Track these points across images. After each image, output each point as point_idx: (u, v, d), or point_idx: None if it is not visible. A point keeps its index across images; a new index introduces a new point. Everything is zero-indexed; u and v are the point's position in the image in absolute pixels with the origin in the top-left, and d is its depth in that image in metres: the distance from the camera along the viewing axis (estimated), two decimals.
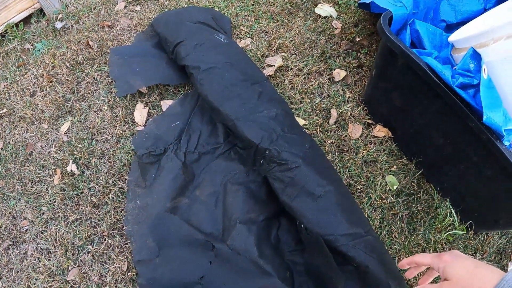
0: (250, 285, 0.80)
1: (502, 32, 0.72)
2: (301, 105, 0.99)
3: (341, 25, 1.18)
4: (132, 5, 1.37)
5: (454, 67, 0.87)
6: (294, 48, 1.10)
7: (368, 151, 0.96)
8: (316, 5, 1.23)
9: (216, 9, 1.23)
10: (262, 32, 1.15)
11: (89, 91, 1.17)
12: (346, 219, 0.81)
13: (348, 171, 0.93)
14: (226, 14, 1.21)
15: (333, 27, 1.18)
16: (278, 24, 1.17)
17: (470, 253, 0.98)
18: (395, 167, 0.96)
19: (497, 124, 0.73)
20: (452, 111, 0.77)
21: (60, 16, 1.39)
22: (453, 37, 0.87)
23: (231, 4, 1.23)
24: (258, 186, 0.89)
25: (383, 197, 0.93)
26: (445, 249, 0.94)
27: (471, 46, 0.82)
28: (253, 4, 1.23)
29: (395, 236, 0.91)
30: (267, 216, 0.88)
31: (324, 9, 1.21)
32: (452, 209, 0.97)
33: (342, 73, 1.05)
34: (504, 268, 1.02)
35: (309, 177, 0.83)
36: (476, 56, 0.83)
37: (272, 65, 1.04)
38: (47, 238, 0.96)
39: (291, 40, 1.12)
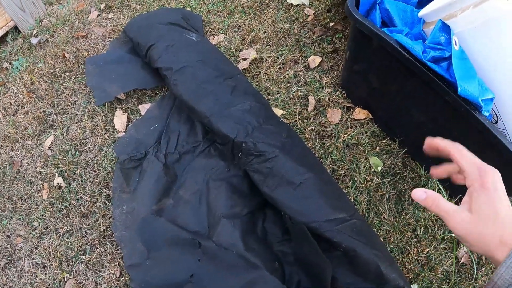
0: (239, 279, 0.79)
1: (469, 1, 0.71)
2: (278, 95, 0.98)
3: (313, 12, 1.17)
4: (105, 13, 1.37)
5: (426, 42, 0.86)
6: (268, 40, 1.10)
7: (349, 134, 0.95)
8: None
9: (188, 9, 1.23)
10: (235, 26, 1.14)
11: (69, 103, 1.17)
12: (329, 204, 0.80)
13: (331, 156, 0.93)
14: (198, 13, 1.20)
15: (306, 14, 1.17)
16: (251, 17, 1.16)
17: None
18: (378, 148, 0.95)
19: (473, 95, 0.72)
20: (428, 87, 0.75)
21: (35, 31, 1.39)
22: (423, 11, 0.86)
23: (203, 2, 1.23)
24: (240, 180, 0.89)
25: (368, 179, 0.92)
26: (436, 226, 0.93)
27: (440, 19, 0.81)
28: (224, 0, 1.22)
29: (383, 217, 0.90)
30: (252, 209, 0.87)
31: None
32: (439, 185, 0.96)
33: (318, 60, 1.05)
34: None
35: (288, 166, 0.82)
36: (445, 28, 0.81)
37: (246, 59, 1.03)
38: (41, 253, 0.96)
39: (264, 32, 1.11)
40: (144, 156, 0.97)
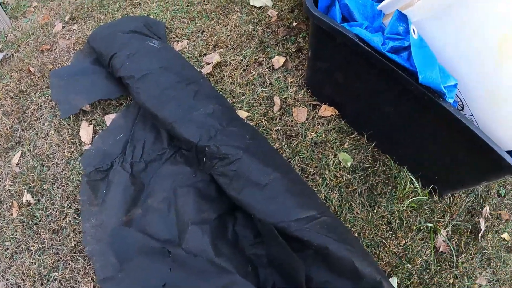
0: (210, 285, 0.78)
1: None
2: (243, 97, 0.98)
3: (277, 13, 1.18)
4: (70, 25, 1.35)
5: (385, 33, 0.87)
6: (232, 43, 1.09)
7: (316, 132, 0.95)
8: None
9: (152, 16, 1.22)
10: (199, 31, 1.14)
11: (35, 118, 1.15)
12: (297, 204, 0.80)
13: (299, 155, 0.93)
14: (161, 20, 1.20)
15: (269, 16, 1.17)
16: (214, 22, 1.16)
17: (438, 216, 0.98)
18: (346, 144, 0.96)
19: (435, 82, 0.72)
20: (390, 78, 0.76)
21: (0, 46, 1.36)
22: (382, 4, 0.86)
23: (166, 9, 1.22)
24: (207, 184, 0.88)
25: (338, 175, 0.92)
26: (411, 217, 0.94)
27: (396, 9, 0.81)
28: (187, 6, 1.22)
29: (357, 212, 0.90)
30: (220, 213, 0.86)
31: (259, 0, 1.20)
32: (411, 177, 0.97)
33: (281, 60, 1.05)
34: (476, 226, 1.02)
35: (253, 168, 0.82)
36: (403, 18, 0.82)
37: (210, 63, 1.03)
38: (15, 273, 0.94)
39: (228, 35, 1.11)
40: (110, 167, 0.95)
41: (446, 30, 0.72)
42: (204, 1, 1.23)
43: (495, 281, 1.00)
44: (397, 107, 0.87)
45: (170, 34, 1.15)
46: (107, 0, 1.36)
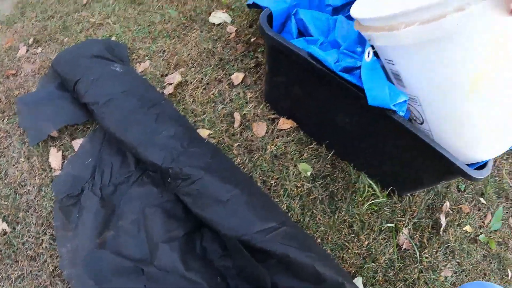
0: None
1: (417, 17, 0.66)
2: (204, 115, 1.02)
3: (235, 28, 1.21)
4: (34, 48, 1.36)
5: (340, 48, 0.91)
6: (192, 61, 1.13)
7: (276, 145, 1.00)
8: (210, 14, 1.26)
9: (114, 37, 1.24)
10: (160, 51, 1.17)
11: (4, 146, 1.17)
12: (257, 216, 0.86)
13: (260, 168, 0.98)
14: (124, 40, 1.22)
15: (228, 32, 1.21)
16: (175, 41, 1.19)
17: (399, 216, 1.04)
18: (306, 154, 1.01)
19: (384, 102, 0.76)
20: (344, 94, 0.80)
21: None
22: (358, 12, 0.80)
23: (128, 29, 1.25)
24: (173, 204, 0.93)
25: (299, 185, 0.98)
26: (372, 219, 1.01)
27: (358, 30, 0.83)
28: (149, 25, 1.25)
29: (319, 219, 0.96)
30: (188, 230, 0.91)
31: (218, 17, 1.24)
32: (370, 181, 1.03)
33: (240, 76, 1.09)
34: (437, 222, 1.09)
35: (214, 186, 0.87)
36: (362, 41, 0.87)
37: (171, 83, 1.07)
38: None
39: (189, 54, 1.15)
40: (81, 192, 0.99)
41: (425, 59, 0.72)
42: (164, 20, 1.25)
43: (461, 272, 1.07)
44: (352, 119, 0.92)
45: (133, 55, 1.18)
46: (70, 21, 1.37)
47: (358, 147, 0.98)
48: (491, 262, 1.13)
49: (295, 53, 0.84)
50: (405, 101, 0.83)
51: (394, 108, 0.79)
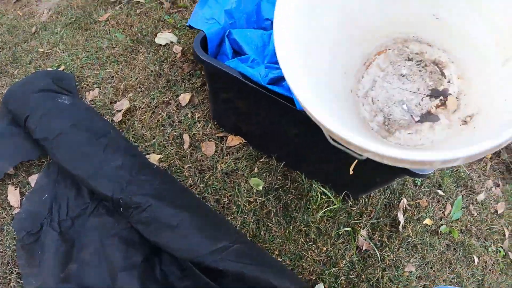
0: None
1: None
2: (154, 140, 1.04)
3: (181, 48, 1.23)
4: None
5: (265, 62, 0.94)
6: (140, 86, 1.14)
7: (226, 162, 1.03)
8: (156, 35, 1.27)
9: (63, 67, 1.25)
10: (108, 78, 1.18)
11: None
12: (208, 237, 0.89)
13: (212, 188, 1.00)
14: (72, 69, 1.23)
15: (174, 52, 1.22)
16: (123, 65, 1.20)
17: (356, 218, 1.08)
18: (256, 168, 1.04)
19: None
20: (279, 106, 0.82)
21: None
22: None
23: (76, 57, 1.25)
24: (130, 231, 0.95)
25: (252, 200, 1.01)
26: (328, 226, 1.04)
27: None
28: (96, 51, 1.25)
29: (274, 231, 0.99)
30: (146, 255, 0.94)
31: (164, 37, 1.25)
32: (322, 188, 1.06)
33: (187, 96, 1.11)
34: (395, 219, 1.13)
35: (163, 212, 0.90)
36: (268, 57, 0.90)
37: (120, 110, 1.08)
38: None
39: (136, 78, 1.16)
40: (40, 229, 1.01)
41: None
42: (112, 45, 1.26)
43: (425, 265, 1.12)
44: (293, 130, 0.95)
45: (82, 84, 1.19)
46: (20, 52, 1.37)
47: (306, 156, 1.01)
48: (455, 251, 1.18)
49: (228, 74, 0.86)
50: None
51: None
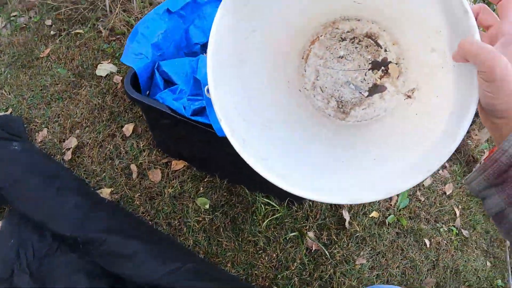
0: None
1: None
2: (104, 174, 1.10)
3: (121, 78, 1.26)
4: None
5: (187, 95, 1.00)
6: (86, 121, 1.19)
7: (173, 187, 1.09)
8: (96, 67, 1.30)
9: (10, 109, 1.28)
10: (55, 116, 1.22)
11: None
12: (161, 261, 0.97)
13: (162, 212, 1.07)
14: (20, 111, 1.26)
15: (115, 83, 1.26)
16: (67, 102, 1.24)
17: (302, 222, 1.15)
18: (202, 188, 1.11)
19: None
20: (208, 134, 0.88)
21: None
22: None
23: (22, 98, 1.29)
24: (93, 265, 1.03)
25: (200, 219, 1.08)
26: (275, 233, 1.11)
27: (193, 75, 0.95)
28: (41, 90, 1.29)
29: (225, 245, 1.07)
30: (110, 286, 1.02)
31: (104, 68, 1.28)
32: (266, 199, 1.13)
33: (131, 127, 1.16)
34: (341, 219, 1.20)
35: (117, 244, 0.98)
36: (197, 83, 0.96)
37: (69, 148, 1.13)
38: None
39: (81, 114, 1.20)
40: (11, 274, 1.08)
41: None
42: (55, 81, 1.29)
43: (376, 255, 1.20)
44: (225, 152, 1.01)
45: (30, 125, 1.23)
46: None
47: (244, 172, 1.08)
48: (406, 237, 1.25)
49: (155, 109, 0.91)
50: None
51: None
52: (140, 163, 1.13)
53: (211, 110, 0.89)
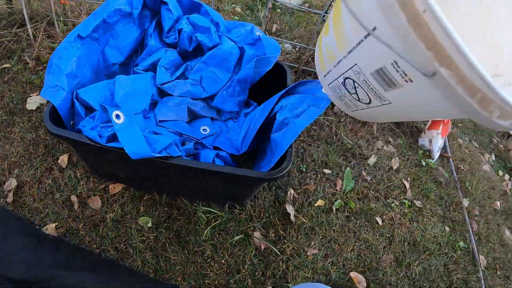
0: None
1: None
2: (47, 209, 1.11)
3: None
4: None
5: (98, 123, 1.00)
6: (22, 159, 1.20)
7: (114, 210, 1.11)
8: (26, 101, 1.29)
9: None
10: None
11: None
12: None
13: (108, 238, 1.09)
14: None
15: None
16: (3, 142, 1.24)
17: (245, 224, 1.17)
18: (142, 207, 1.12)
19: (145, 153, 0.87)
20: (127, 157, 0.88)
21: None
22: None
23: None
24: None
25: (145, 238, 1.10)
26: (221, 239, 1.13)
27: (99, 103, 0.96)
28: None
29: (173, 259, 1.09)
30: None
31: (33, 102, 1.27)
32: (206, 207, 1.15)
33: (65, 157, 1.17)
34: (286, 213, 1.21)
35: (66, 279, 1.00)
36: (104, 110, 0.96)
37: (10, 190, 1.14)
38: None
39: (18, 153, 1.21)
40: None
41: None
42: None
43: (328, 242, 1.21)
44: (158, 169, 1.02)
45: None
46: None
47: (180, 186, 1.09)
48: (357, 219, 1.27)
49: (73, 141, 0.91)
50: (170, 144, 0.93)
51: (163, 154, 0.90)
52: (79, 192, 1.14)
53: (121, 135, 0.89)
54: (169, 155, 0.93)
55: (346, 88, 0.73)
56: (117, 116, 0.94)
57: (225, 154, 1.08)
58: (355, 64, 0.56)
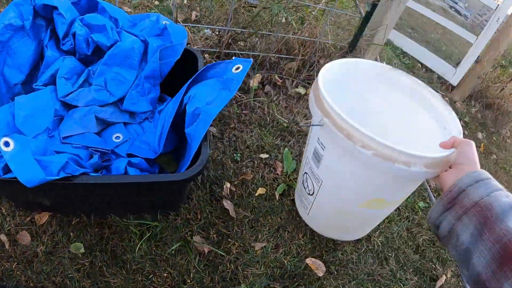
0: None
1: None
2: None
3: None
4: None
5: None
6: None
7: (43, 242, 1.04)
8: None
9: None
10: None
11: None
12: None
13: (43, 274, 1.00)
14: None
15: None
16: None
17: (183, 229, 1.07)
18: (72, 233, 1.05)
19: (41, 179, 0.79)
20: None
21: None
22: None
23: None
24: None
25: (80, 265, 1.01)
26: (159, 250, 1.05)
27: None
28: None
29: (113, 283, 1.00)
30: None
31: None
32: (137, 220, 1.06)
33: None
34: (225, 210, 1.11)
35: None
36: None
37: None
38: None
39: None
40: None
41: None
42: None
43: (276, 232, 1.10)
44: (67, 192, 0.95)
45: None
46: None
47: (104, 204, 1.01)
48: (290, 203, 1.14)
49: None
50: (67, 163, 0.85)
51: (61, 176, 0.81)
52: (8, 230, 1.07)
53: (12, 163, 0.82)
54: (70, 175, 0.85)
55: (303, 185, 0.99)
56: (6, 144, 0.85)
57: (139, 160, 0.98)
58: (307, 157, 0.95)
